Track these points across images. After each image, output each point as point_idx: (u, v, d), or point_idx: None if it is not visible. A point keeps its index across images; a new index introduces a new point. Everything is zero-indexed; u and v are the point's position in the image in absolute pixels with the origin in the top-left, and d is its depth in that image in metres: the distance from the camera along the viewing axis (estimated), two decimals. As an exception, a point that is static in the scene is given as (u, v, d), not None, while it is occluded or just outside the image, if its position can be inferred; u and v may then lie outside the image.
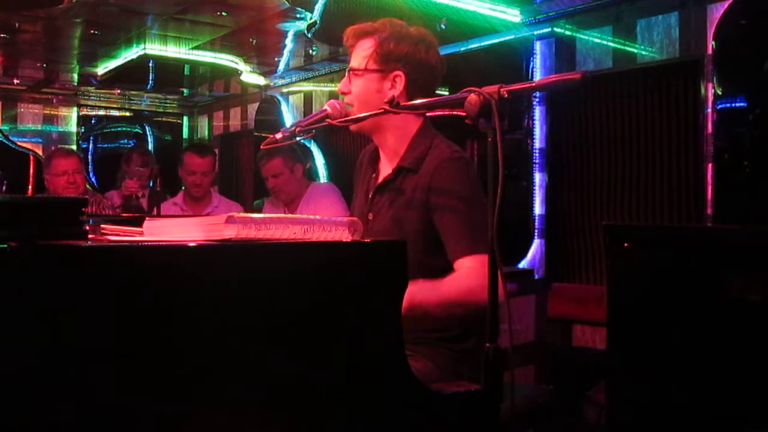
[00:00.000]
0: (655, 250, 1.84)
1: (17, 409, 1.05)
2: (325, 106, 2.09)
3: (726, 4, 3.09)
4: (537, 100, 3.88)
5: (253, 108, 6.13)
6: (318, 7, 3.67)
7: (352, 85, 2.12)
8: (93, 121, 6.67)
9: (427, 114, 2.15)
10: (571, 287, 3.79)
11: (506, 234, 1.89)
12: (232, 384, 1.23)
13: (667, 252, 1.82)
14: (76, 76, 5.60)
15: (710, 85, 3.13)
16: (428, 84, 2.14)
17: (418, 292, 1.81)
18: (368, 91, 2.08)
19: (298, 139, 2.07)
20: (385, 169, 2.17)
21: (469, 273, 1.89)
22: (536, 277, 3.82)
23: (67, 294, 1.09)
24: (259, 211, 4.99)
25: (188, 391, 1.19)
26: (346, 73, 2.15)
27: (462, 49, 4.15)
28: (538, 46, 3.87)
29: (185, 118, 6.98)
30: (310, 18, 3.85)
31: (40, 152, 6.10)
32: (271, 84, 5.70)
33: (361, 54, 2.11)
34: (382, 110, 1.83)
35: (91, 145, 6.62)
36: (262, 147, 2.23)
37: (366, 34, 2.12)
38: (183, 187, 4.82)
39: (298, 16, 3.87)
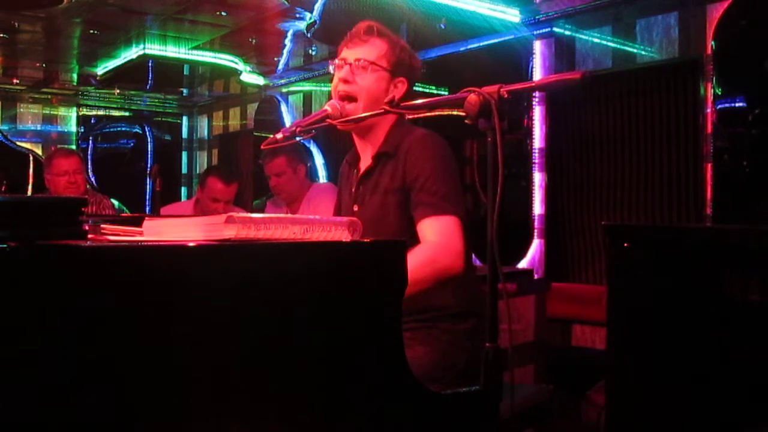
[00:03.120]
0: (654, 250, 1.84)
1: (16, 410, 1.05)
2: (325, 106, 2.10)
3: (726, 4, 3.09)
4: (537, 100, 3.88)
5: (252, 108, 6.14)
6: (317, 7, 3.67)
7: (359, 77, 2.12)
8: (92, 121, 6.67)
9: (428, 114, 2.17)
10: (571, 287, 3.79)
11: (506, 234, 1.90)
12: (232, 383, 1.23)
13: (667, 252, 1.82)
14: (75, 76, 5.60)
15: (710, 85, 3.14)
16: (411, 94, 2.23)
17: None
18: (379, 88, 2.11)
19: (298, 139, 2.08)
20: (365, 162, 2.21)
21: (420, 248, 1.91)
22: (536, 277, 3.82)
23: (66, 294, 1.09)
24: (260, 210, 4.99)
25: (188, 390, 1.19)
26: (345, 63, 2.14)
27: (462, 49, 4.15)
28: (537, 46, 3.87)
29: (185, 118, 6.99)
30: (310, 18, 3.85)
31: (39, 152, 6.11)
32: (271, 84, 5.71)
33: (377, 51, 2.13)
34: (383, 110, 1.83)
35: (90, 145, 6.62)
36: (262, 147, 2.23)
37: (383, 34, 2.17)
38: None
39: (297, 16, 3.87)
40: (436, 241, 1.93)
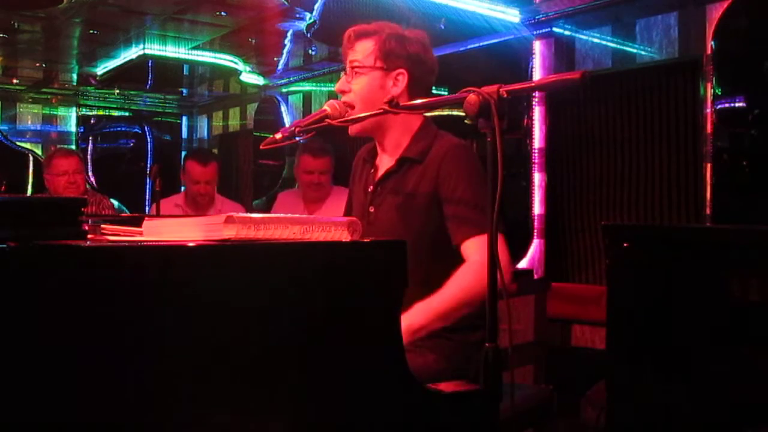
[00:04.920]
0: (654, 250, 1.84)
1: (16, 409, 1.05)
2: (325, 107, 2.09)
3: (725, 4, 3.09)
4: (536, 100, 3.88)
5: (252, 108, 6.13)
6: (317, 7, 3.67)
7: (352, 83, 2.12)
8: (92, 121, 6.66)
9: (428, 114, 2.17)
10: (571, 287, 3.79)
11: (505, 234, 1.90)
12: (231, 384, 1.23)
13: (666, 252, 1.82)
14: (75, 76, 5.59)
15: (709, 85, 3.13)
16: (428, 82, 2.20)
17: (415, 316, 1.84)
18: (371, 89, 2.09)
19: (297, 139, 2.07)
20: (386, 163, 2.18)
21: (467, 269, 1.92)
22: (535, 277, 3.82)
23: (65, 294, 1.09)
24: (261, 210, 4.99)
25: (187, 391, 1.19)
26: (344, 72, 2.15)
27: (461, 49, 4.15)
28: (537, 46, 3.87)
29: (184, 118, 6.98)
30: (310, 18, 3.85)
31: (39, 152, 6.10)
32: (271, 84, 5.70)
33: (362, 53, 2.12)
34: (382, 110, 1.83)
35: (90, 146, 6.61)
36: (261, 147, 2.23)
37: (366, 34, 2.14)
38: (183, 188, 4.80)
39: (297, 16, 3.87)
40: (482, 260, 1.85)
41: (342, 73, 2.19)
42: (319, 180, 4.21)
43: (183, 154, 6.92)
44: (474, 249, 1.94)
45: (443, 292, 1.90)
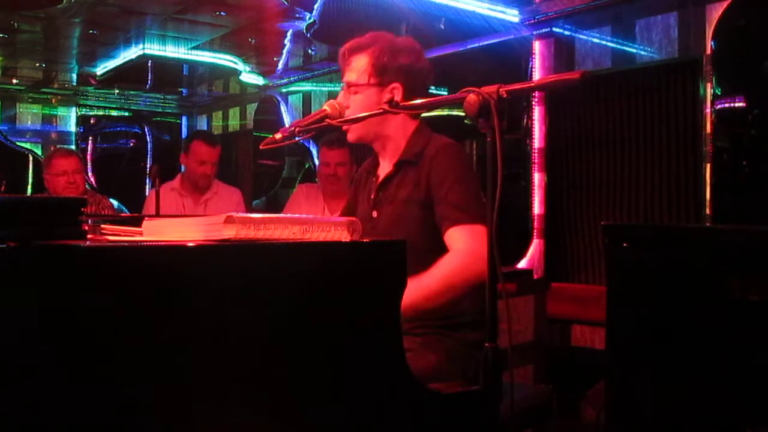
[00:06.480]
0: (653, 250, 1.84)
1: (17, 409, 1.05)
2: (324, 106, 2.10)
3: (725, 4, 3.09)
4: (536, 100, 3.88)
5: (252, 108, 6.14)
6: (317, 7, 3.67)
7: (350, 101, 2.14)
8: (92, 121, 6.66)
9: (427, 114, 2.18)
10: (570, 287, 3.79)
11: (505, 234, 1.90)
12: (231, 383, 1.23)
13: (666, 252, 1.82)
14: (74, 76, 5.60)
15: (709, 85, 3.14)
16: (423, 88, 2.22)
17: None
18: (368, 106, 2.10)
19: (297, 139, 2.08)
20: (385, 169, 2.22)
21: (452, 255, 1.94)
22: (535, 277, 3.82)
23: (65, 294, 1.09)
24: (262, 210, 4.98)
25: (187, 390, 1.19)
26: (343, 89, 2.18)
27: (461, 49, 4.15)
28: (537, 46, 3.87)
29: (184, 118, 6.98)
30: (309, 18, 3.85)
31: (39, 152, 6.11)
32: (270, 84, 5.70)
33: (356, 70, 2.15)
34: (381, 110, 1.84)
35: (90, 146, 6.61)
36: (261, 147, 2.23)
37: (359, 49, 2.16)
38: (181, 172, 4.76)
39: (297, 16, 3.87)
40: (466, 248, 1.93)
41: (341, 88, 2.21)
42: (335, 171, 4.10)
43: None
44: (456, 237, 1.97)
45: (425, 278, 1.92)
